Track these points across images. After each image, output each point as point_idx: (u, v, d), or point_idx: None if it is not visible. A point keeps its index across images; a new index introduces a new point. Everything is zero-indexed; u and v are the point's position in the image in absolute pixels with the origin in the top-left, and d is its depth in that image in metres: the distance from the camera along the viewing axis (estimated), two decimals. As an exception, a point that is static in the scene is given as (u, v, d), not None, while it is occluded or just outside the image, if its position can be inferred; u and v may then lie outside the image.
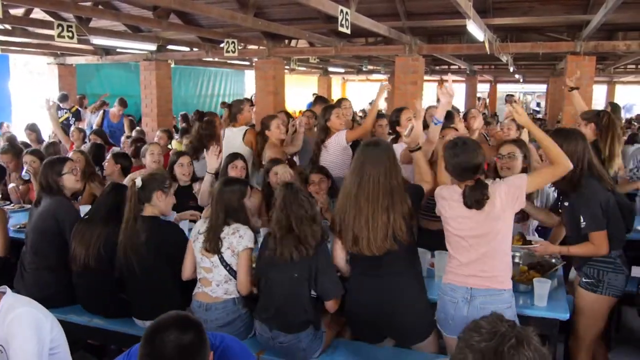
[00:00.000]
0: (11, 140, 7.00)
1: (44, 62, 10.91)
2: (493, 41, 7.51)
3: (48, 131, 8.11)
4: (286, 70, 10.75)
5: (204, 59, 11.64)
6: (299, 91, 17.53)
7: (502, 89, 22.09)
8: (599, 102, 15.83)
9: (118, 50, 10.18)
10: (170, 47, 9.92)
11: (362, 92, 20.10)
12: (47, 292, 3.37)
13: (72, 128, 7.64)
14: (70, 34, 6.47)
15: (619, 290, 3.02)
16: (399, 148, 3.99)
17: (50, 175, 3.67)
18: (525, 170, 3.57)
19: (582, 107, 4.68)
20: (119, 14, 7.26)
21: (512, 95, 15.94)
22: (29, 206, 4.93)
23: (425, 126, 3.66)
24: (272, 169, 4.28)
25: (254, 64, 10.29)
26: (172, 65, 10.63)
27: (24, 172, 5.13)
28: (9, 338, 2.13)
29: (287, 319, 2.84)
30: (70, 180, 3.75)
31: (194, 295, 3.10)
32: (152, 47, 9.18)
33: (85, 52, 10.38)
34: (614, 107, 6.95)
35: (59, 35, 6.40)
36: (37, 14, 7.39)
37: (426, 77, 11.88)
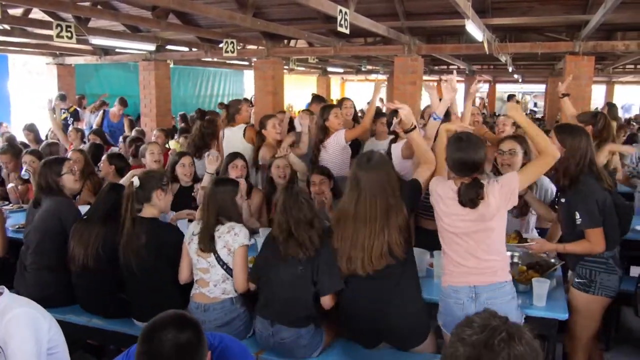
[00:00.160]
0: (10, 140, 7.00)
1: (43, 62, 10.89)
2: (492, 41, 7.51)
3: (46, 131, 8.11)
4: (285, 70, 10.74)
5: (203, 59, 11.62)
6: (298, 91, 17.52)
7: (501, 89, 22.12)
8: (597, 102, 15.85)
9: (117, 50, 10.17)
10: (169, 47, 9.92)
11: (361, 92, 20.08)
12: (47, 292, 3.37)
13: (70, 128, 7.65)
14: (69, 34, 6.47)
15: (612, 290, 3.02)
16: (399, 146, 3.99)
17: (50, 175, 3.66)
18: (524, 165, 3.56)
19: (571, 112, 4.69)
20: (118, 14, 7.25)
21: (514, 95, 15.97)
22: (27, 206, 4.92)
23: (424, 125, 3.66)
24: (273, 162, 4.30)
25: (252, 64, 10.27)
26: (171, 66, 10.61)
27: (23, 172, 5.12)
28: (6, 338, 2.13)
29: (291, 313, 2.85)
30: (69, 180, 3.74)
31: (192, 296, 3.10)
32: (151, 47, 9.17)
33: (84, 52, 10.37)
34: (611, 107, 6.97)
35: (58, 36, 6.40)
36: (36, 14, 7.38)
37: (425, 77, 11.89)
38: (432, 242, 3.22)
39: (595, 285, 3.00)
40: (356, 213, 2.73)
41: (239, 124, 5.32)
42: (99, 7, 6.76)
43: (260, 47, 9.41)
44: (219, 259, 3.01)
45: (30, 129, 7.25)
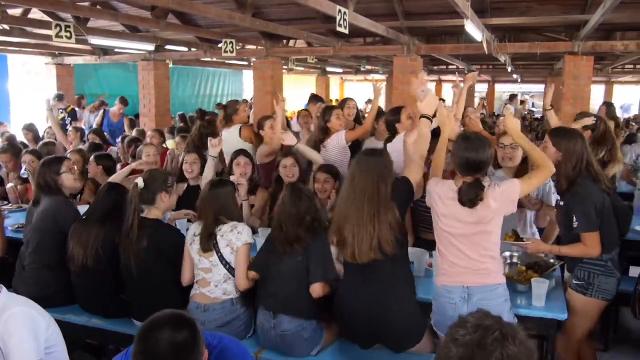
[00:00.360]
0: (11, 140, 6.99)
1: (42, 62, 10.89)
2: (491, 41, 7.52)
3: (43, 130, 8.10)
4: (284, 71, 10.74)
5: (202, 59, 11.62)
6: (297, 91, 17.52)
7: (501, 89, 22.13)
8: (597, 102, 15.85)
9: (116, 50, 10.18)
10: (168, 47, 9.92)
11: (361, 93, 20.08)
12: (47, 292, 3.38)
13: (69, 128, 7.64)
14: (68, 34, 6.47)
15: (610, 294, 3.01)
16: (395, 145, 4.00)
17: (49, 174, 3.67)
18: (525, 160, 3.56)
19: (555, 123, 4.69)
20: (117, 14, 7.25)
21: (516, 95, 15.95)
22: (27, 206, 4.93)
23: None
24: (280, 162, 4.30)
25: (252, 64, 10.28)
26: (170, 66, 10.62)
27: (22, 171, 5.12)
28: (5, 338, 2.13)
29: (294, 303, 2.87)
30: (69, 180, 3.75)
31: (192, 297, 3.10)
32: (150, 47, 9.17)
33: (84, 52, 10.37)
34: (609, 107, 6.98)
35: (57, 36, 6.40)
36: (35, 14, 7.38)
37: (425, 78, 11.88)
38: (433, 250, 3.23)
39: (593, 288, 3.00)
40: (348, 199, 2.76)
41: (237, 125, 5.32)
42: (98, 7, 6.76)
43: (259, 47, 9.41)
44: (222, 259, 3.01)
45: (30, 129, 7.25)
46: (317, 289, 2.88)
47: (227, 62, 13.30)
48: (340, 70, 17.54)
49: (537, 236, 3.80)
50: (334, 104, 10.31)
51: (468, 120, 4.75)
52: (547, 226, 3.78)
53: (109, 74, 12.46)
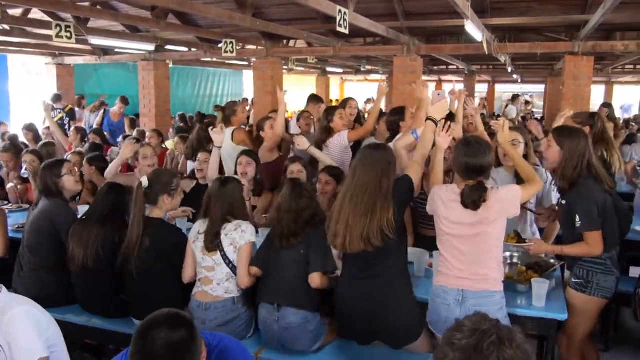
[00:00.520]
0: (13, 139, 6.99)
1: (42, 62, 10.90)
2: (491, 41, 7.52)
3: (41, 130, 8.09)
4: (284, 71, 10.75)
5: (202, 59, 11.63)
6: (298, 91, 17.52)
7: (501, 89, 22.12)
8: (597, 102, 15.85)
9: (116, 50, 10.17)
10: (168, 47, 9.92)
11: (361, 93, 20.08)
12: (47, 292, 3.38)
13: (71, 128, 7.64)
14: (68, 34, 6.47)
15: (609, 292, 3.01)
16: (393, 145, 4.00)
17: (50, 177, 3.67)
18: (525, 157, 3.57)
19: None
20: (117, 14, 7.26)
21: (519, 96, 15.93)
22: (27, 206, 4.93)
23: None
24: (288, 167, 4.31)
25: (252, 64, 10.28)
26: (170, 66, 10.62)
27: (22, 171, 5.12)
28: (9, 338, 2.13)
29: (298, 295, 2.90)
30: (70, 182, 3.75)
31: (193, 295, 3.11)
32: (150, 47, 9.17)
33: (84, 52, 10.37)
34: (608, 108, 6.99)
35: (57, 36, 6.40)
36: (35, 14, 7.39)
37: (424, 78, 11.89)
38: (431, 248, 3.24)
39: (591, 286, 3.00)
40: (347, 191, 2.78)
41: (230, 128, 5.28)
42: (98, 7, 6.77)
43: (259, 47, 9.41)
44: (225, 257, 3.02)
45: (30, 129, 7.23)
46: (315, 279, 2.90)
47: (227, 62, 13.30)
48: (340, 70, 17.54)
49: (538, 235, 3.80)
50: (334, 104, 10.32)
51: (467, 125, 4.77)
52: (546, 226, 3.78)
53: (109, 74, 12.47)
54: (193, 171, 5.02)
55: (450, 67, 15.10)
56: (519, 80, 19.08)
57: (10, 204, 5.31)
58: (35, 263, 3.52)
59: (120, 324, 3.29)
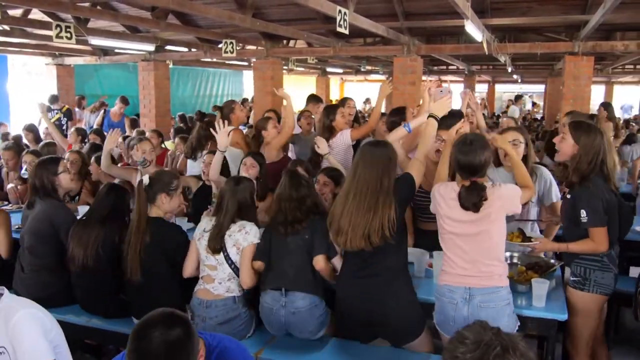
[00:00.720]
0: (16, 139, 6.99)
1: (42, 62, 10.90)
2: (491, 41, 7.52)
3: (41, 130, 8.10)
4: (284, 71, 10.75)
5: (202, 60, 11.62)
6: (298, 92, 17.53)
7: (501, 89, 22.13)
8: (597, 102, 15.85)
9: (116, 50, 10.18)
10: (168, 47, 9.92)
11: (361, 93, 20.09)
12: (48, 293, 3.38)
13: (69, 128, 7.64)
14: (68, 35, 6.47)
15: (608, 288, 3.01)
16: None
17: (46, 175, 3.62)
18: (525, 157, 3.57)
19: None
20: (117, 15, 7.26)
21: (521, 96, 15.93)
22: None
23: None
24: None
25: (252, 64, 10.28)
26: (170, 66, 10.62)
27: (23, 171, 5.12)
28: (14, 342, 2.13)
29: (305, 278, 2.94)
30: (65, 179, 3.73)
31: (195, 292, 3.11)
32: (150, 47, 9.18)
33: (84, 53, 10.38)
34: (607, 107, 7.00)
35: (57, 36, 6.40)
36: (36, 14, 7.39)
37: (424, 78, 11.89)
38: (431, 242, 3.23)
39: (589, 283, 3.00)
40: (349, 188, 2.79)
41: (235, 125, 5.29)
42: (98, 7, 6.76)
43: (259, 48, 9.41)
44: (227, 258, 3.04)
45: (30, 129, 7.24)
46: (320, 261, 2.95)
47: (227, 62, 13.31)
48: (340, 71, 17.55)
49: (538, 232, 3.80)
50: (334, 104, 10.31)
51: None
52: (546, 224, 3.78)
53: (109, 74, 12.47)
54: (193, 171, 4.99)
55: (450, 67, 15.10)
56: (519, 81, 19.11)
57: (10, 205, 5.31)
58: (36, 264, 3.51)
59: (120, 324, 3.29)
